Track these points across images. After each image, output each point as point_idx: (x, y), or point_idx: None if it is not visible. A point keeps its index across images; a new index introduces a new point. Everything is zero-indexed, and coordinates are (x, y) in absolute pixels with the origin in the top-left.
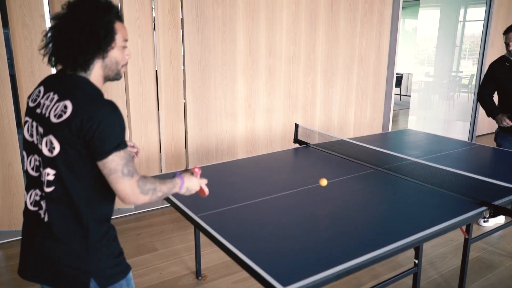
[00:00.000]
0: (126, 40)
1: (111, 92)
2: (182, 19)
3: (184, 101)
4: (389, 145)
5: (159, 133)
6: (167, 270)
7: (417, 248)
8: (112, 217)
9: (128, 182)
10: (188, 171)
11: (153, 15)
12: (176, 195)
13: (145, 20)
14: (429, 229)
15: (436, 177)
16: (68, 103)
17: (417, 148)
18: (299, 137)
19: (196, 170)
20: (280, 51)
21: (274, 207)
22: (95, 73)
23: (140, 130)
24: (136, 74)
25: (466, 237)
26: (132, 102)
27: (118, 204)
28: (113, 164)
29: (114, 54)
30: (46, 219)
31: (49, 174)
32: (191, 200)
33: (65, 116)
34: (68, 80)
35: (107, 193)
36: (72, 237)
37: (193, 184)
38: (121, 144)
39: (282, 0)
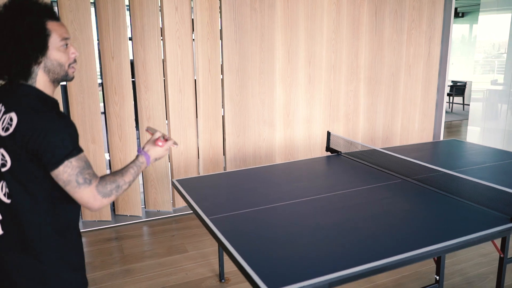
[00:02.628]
0: (65, 39)
1: (152, 100)
2: (221, 30)
3: (222, 109)
4: (429, 155)
5: (197, 140)
6: (193, 271)
7: (439, 262)
8: (152, 218)
9: (86, 190)
10: (150, 142)
11: (193, 26)
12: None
13: (184, 32)
14: (448, 241)
15: (466, 189)
16: (13, 115)
17: (459, 159)
18: (332, 146)
19: (160, 143)
20: (320, 60)
21: (290, 212)
22: (40, 79)
23: (179, 136)
24: (175, 83)
25: (501, 255)
26: (171, 109)
27: (157, 206)
28: (65, 175)
29: (54, 56)
30: (1, 232)
31: (2, 188)
32: (207, 203)
33: (11, 129)
34: (13, 91)
35: (62, 204)
36: (29, 251)
37: (159, 153)
38: (72, 152)
39: (322, 9)
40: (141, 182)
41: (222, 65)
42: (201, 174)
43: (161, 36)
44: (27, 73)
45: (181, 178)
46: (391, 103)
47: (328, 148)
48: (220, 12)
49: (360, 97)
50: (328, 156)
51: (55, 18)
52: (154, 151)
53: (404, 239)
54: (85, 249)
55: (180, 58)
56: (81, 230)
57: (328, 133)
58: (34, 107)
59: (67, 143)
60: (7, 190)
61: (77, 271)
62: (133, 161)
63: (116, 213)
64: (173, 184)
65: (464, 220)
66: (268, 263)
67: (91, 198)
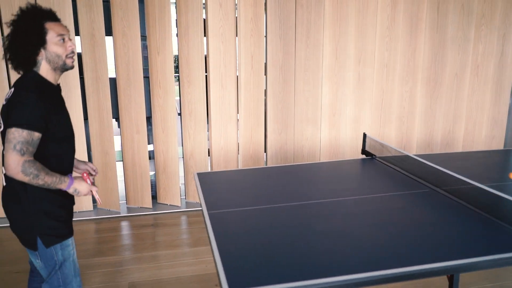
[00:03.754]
0: (61, 35)
1: (194, 95)
2: (266, 26)
3: (264, 105)
4: (476, 165)
5: (238, 135)
6: (212, 265)
7: (451, 282)
8: (191, 209)
9: (15, 157)
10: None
11: (236, 23)
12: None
13: (228, 28)
14: (459, 260)
15: (498, 207)
16: (12, 89)
17: (509, 172)
18: (369, 149)
19: (84, 175)
20: (371, 58)
21: (294, 213)
22: (43, 67)
23: (219, 131)
24: (217, 78)
25: None
26: (213, 104)
27: (197, 198)
28: (11, 136)
29: (51, 49)
30: (4, 183)
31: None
32: (215, 197)
33: (7, 99)
34: (24, 75)
35: (47, 163)
36: (19, 200)
37: (82, 187)
38: (27, 125)
39: (376, 5)
40: (182, 174)
41: (266, 61)
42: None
43: (205, 32)
44: (33, 63)
45: (202, 172)
46: (453, 107)
47: (363, 151)
48: (265, 8)
49: (416, 99)
50: (361, 159)
51: (54, 19)
52: (79, 182)
53: (409, 251)
54: (124, 233)
55: (222, 54)
56: (124, 215)
57: (364, 135)
58: (25, 85)
59: (27, 117)
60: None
61: (60, 222)
62: (61, 175)
63: (157, 202)
64: (194, 177)
65: (487, 240)
66: (244, 262)
67: (13, 164)
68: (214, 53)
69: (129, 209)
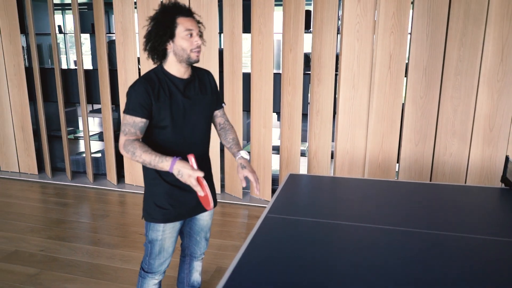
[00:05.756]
0: (189, 30)
1: (323, 94)
2: (412, 22)
3: (402, 111)
4: None
5: (367, 141)
6: None
7: None
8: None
9: (121, 137)
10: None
11: (375, 19)
12: None
13: (365, 25)
14: None
15: None
16: None
17: None
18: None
19: (193, 160)
20: None
21: (353, 235)
22: (169, 60)
23: (346, 134)
24: (349, 78)
25: None
26: (341, 105)
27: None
28: (122, 121)
29: (179, 42)
30: None
31: None
32: (286, 202)
33: None
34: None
35: (154, 146)
36: (144, 174)
37: (185, 170)
38: (128, 110)
39: None
40: (304, 172)
41: (408, 62)
42: (366, 176)
43: (339, 29)
44: (164, 55)
45: (296, 173)
46: None
47: (503, 178)
48: (412, 2)
49: None
50: (498, 188)
51: (186, 15)
52: (183, 165)
53: None
54: (237, 220)
55: (357, 53)
56: (244, 203)
57: (506, 159)
58: (142, 76)
59: (128, 103)
60: None
61: (157, 206)
62: (163, 155)
63: None
64: (285, 177)
65: None
66: (256, 270)
67: (119, 143)
68: (347, 51)
69: (251, 199)
